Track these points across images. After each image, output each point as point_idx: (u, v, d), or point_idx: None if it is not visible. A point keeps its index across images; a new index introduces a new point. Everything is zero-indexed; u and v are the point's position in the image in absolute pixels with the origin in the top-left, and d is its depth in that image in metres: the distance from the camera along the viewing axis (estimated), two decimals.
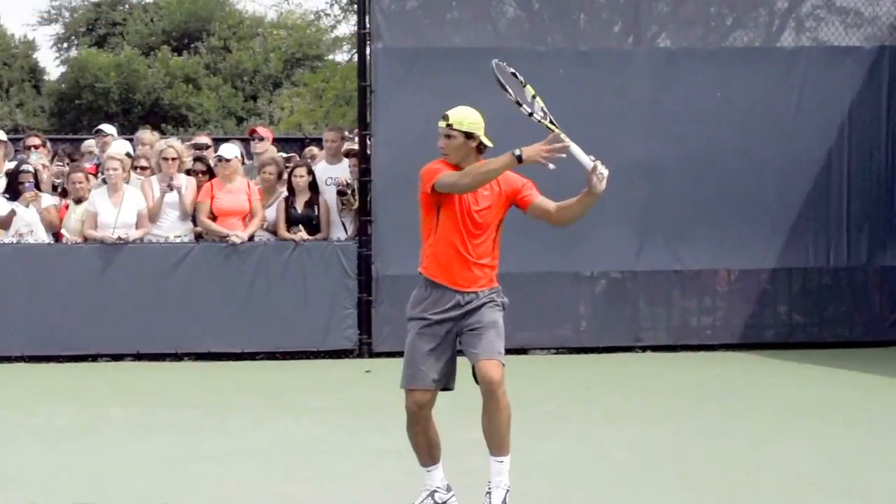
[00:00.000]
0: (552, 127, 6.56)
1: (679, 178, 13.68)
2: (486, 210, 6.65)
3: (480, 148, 6.68)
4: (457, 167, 6.63)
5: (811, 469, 8.02)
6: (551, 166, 6.41)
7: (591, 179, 6.54)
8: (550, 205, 6.74)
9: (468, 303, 6.63)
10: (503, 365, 6.56)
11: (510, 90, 6.66)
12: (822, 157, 13.92)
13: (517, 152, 6.41)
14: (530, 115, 6.65)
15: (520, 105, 6.65)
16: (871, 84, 13.98)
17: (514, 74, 6.75)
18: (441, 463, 6.79)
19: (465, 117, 6.67)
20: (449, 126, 6.65)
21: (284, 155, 15.11)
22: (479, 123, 6.69)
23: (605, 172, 6.52)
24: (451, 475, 6.86)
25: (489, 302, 6.65)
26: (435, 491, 6.79)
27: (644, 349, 13.71)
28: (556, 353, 13.47)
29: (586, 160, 6.51)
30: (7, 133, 14.71)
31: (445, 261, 6.64)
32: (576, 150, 6.50)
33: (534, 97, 6.71)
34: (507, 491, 6.57)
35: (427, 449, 6.76)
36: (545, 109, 6.67)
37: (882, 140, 14.02)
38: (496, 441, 6.58)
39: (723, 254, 13.85)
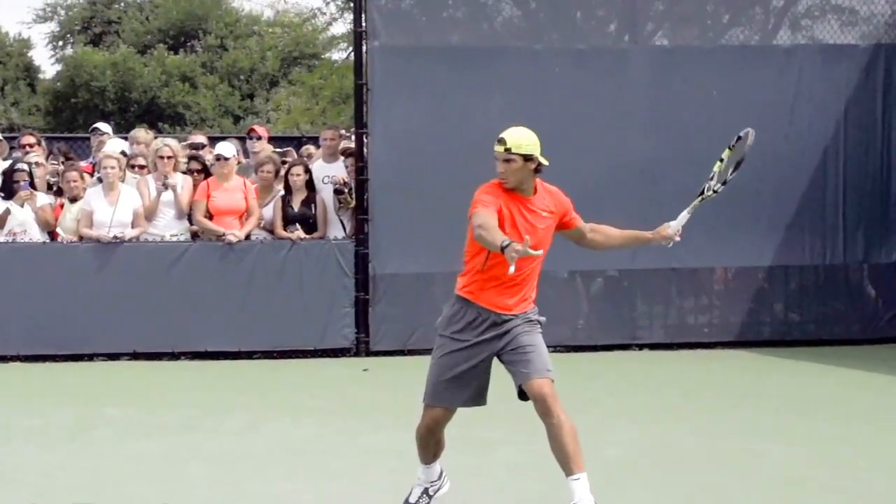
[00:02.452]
0: (697, 202, 6.92)
1: (675, 175, 13.66)
2: (544, 230, 6.53)
3: (538, 168, 6.49)
4: (514, 191, 6.44)
5: (808, 467, 8.02)
6: (511, 269, 6.15)
7: (662, 235, 6.87)
8: (585, 226, 6.79)
9: (504, 323, 6.49)
10: (553, 381, 6.43)
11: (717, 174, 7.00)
12: (818, 154, 13.94)
13: (505, 243, 6.04)
14: (701, 193, 7.05)
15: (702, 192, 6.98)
16: (867, 82, 14.01)
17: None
18: (438, 461, 6.78)
19: (523, 139, 6.44)
20: (507, 150, 6.40)
21: (280, 150, 15.11)
22: (537, 143, 6.47)
23: (669, 245, 6.81)
24: (458, 474, 6.84)
25: (527, 322, 6.53)
26: (429, 486, 6.77)
27: (641, 347, 13.72)
28: (553, 352, 13.36)
29: (675, 230, 6.87)
30: (2, 132, 14.72)
31: (495, 287, 6.48)
32: (684, 217, 6.96)
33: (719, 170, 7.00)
34: None
35: (434, 452, 6.72)
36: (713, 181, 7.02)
37: (878, 138, 14.05)
38: (565, 459, 6.35)
39: (719, 252, 13.86)
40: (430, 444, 6.68)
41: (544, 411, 6.36)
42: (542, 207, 6.53)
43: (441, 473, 6.83)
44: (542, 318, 6.64)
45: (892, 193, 14.08)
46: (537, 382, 6.38)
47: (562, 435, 6.33)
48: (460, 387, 6.53)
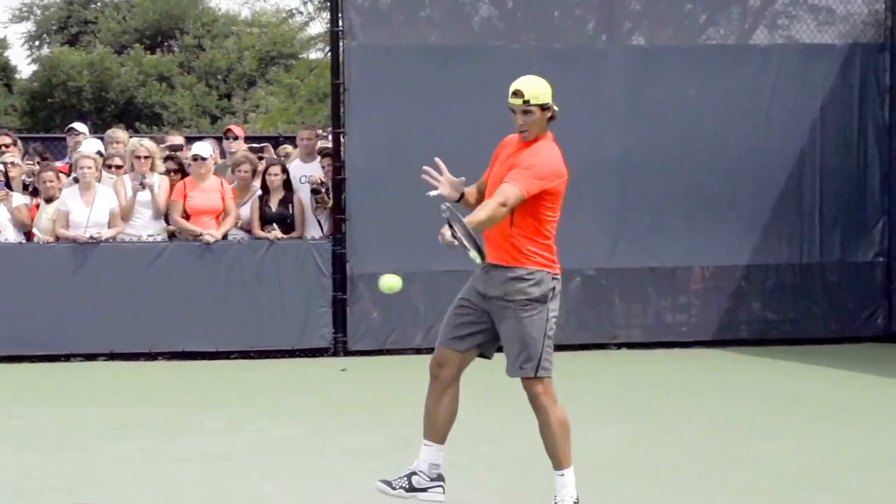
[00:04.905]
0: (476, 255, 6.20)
1: (653, 175, 13.71)
2: (500, 177, 6.32)
3: (553, 116, 6.35)
4: (531, 143, 6.30)
5: (784, 464, 8.03)
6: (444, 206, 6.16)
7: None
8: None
9: (485, 275, 6.34)
10: (538, 376, 6.26)
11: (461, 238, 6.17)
12: (795, 153, 13.98)
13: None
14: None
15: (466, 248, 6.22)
16: (844, 81, 14.05)
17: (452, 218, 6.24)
18: (440, 448, 6.52)
19: (539, 89, 6.30)
20: (526, 102, 6.25)
21: (257, 146, 15.10)
22: (550, 91, 6.33)
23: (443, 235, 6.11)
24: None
25: (513, 299, 6.27)
26: (415, 473, 6.54)
27: (619, 346, 13.73)
28: None
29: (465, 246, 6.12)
30: None
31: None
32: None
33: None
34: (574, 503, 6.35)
35: (430, 420, 6.49)
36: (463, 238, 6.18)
37: (854, 137, 14.09)
38: (551, 455, 6.37)
39: (697, 251, 13.89)
40: (429, 400, 6.46)
41: (532, 406, 6.35)
42: (511, 155, 6.37)
43: (438, 478, 6.54)
44: (543, 290, 6.29)
45: (869, 192, 14.13)
46: (523, 381, 6.33)
47: (548, 431, 6.34)
48: (455, 328, 6.42)
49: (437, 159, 6.57)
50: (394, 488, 6.54)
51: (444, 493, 6.56)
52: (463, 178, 6.53)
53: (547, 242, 6.37)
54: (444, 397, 6.47)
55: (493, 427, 8.88)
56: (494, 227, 6.30)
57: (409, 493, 6.53)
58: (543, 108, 6.30)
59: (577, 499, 6.40)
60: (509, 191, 6.19)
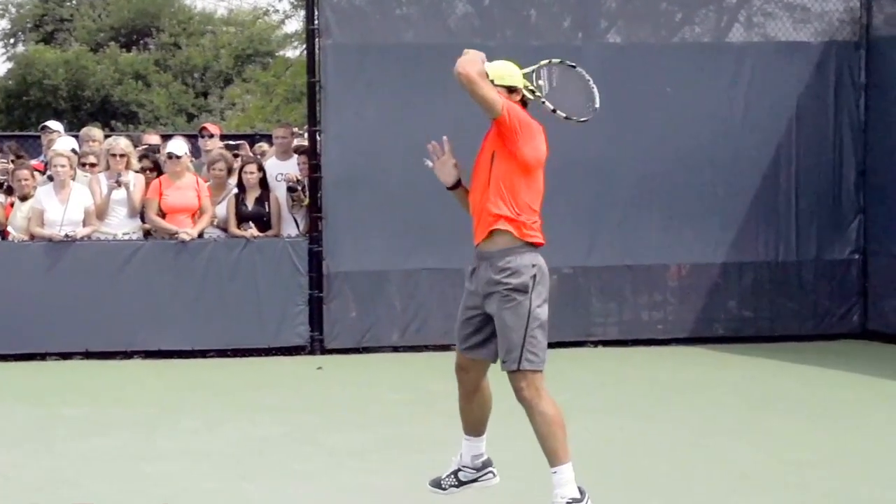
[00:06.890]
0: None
1: (630, 173, 13.73)
2: (483, 161, 6.26)
3: (524, 101, 6.29)
4: None
5: (762, 462, 8.05)
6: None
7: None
8: None
9: (472, 275, 6.23)
10: (521, 369, 6.12)
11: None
12: (771, 151, 14.02)
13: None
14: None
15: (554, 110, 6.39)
16: (820, 79, 14.08)
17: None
18: (479, 440, 6.49)
19: (505, 71, 6.27)
20: (490, 83, 6.18)
21: (233, 143, 15.06)
22: (519, 76, 6.28)
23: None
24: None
25: (495, 291, 6.13)
26: (460, 469, 6.52)
27: (595, 344, 13.74)
28: None
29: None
30: None
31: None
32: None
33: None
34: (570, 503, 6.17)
35: (465, 418, 6.44)
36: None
37: (830, 134, 14.13)
38: (544, 452, 6.20)
39: (674, 248, 13.91)
40: (461, 401, 6.39)
41: (518, 402, 6.24)
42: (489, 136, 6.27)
43: (484, 465, 6.51)
44: (526, 278, 6.11)
45: (845, 190, 14.17)
46: (509, 376, 6.20)
47: (534, 428, 6.20)
48: (464, 332, 6.31)
49: (445, 138, 6.44)
50: (444, 488, 6.55)
51: (496, 476, 6.55)
52: (456, 163, 6.41)
53: (521, 216, 6.20)
54: (474, 398, 6.41)
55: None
56: (478, 200, 6.22)
57: (461, 489, 6.54)
58: (511, 90, 6.26)
59: (578, 497, 6.18)
60: (494, 92, 6.15)
